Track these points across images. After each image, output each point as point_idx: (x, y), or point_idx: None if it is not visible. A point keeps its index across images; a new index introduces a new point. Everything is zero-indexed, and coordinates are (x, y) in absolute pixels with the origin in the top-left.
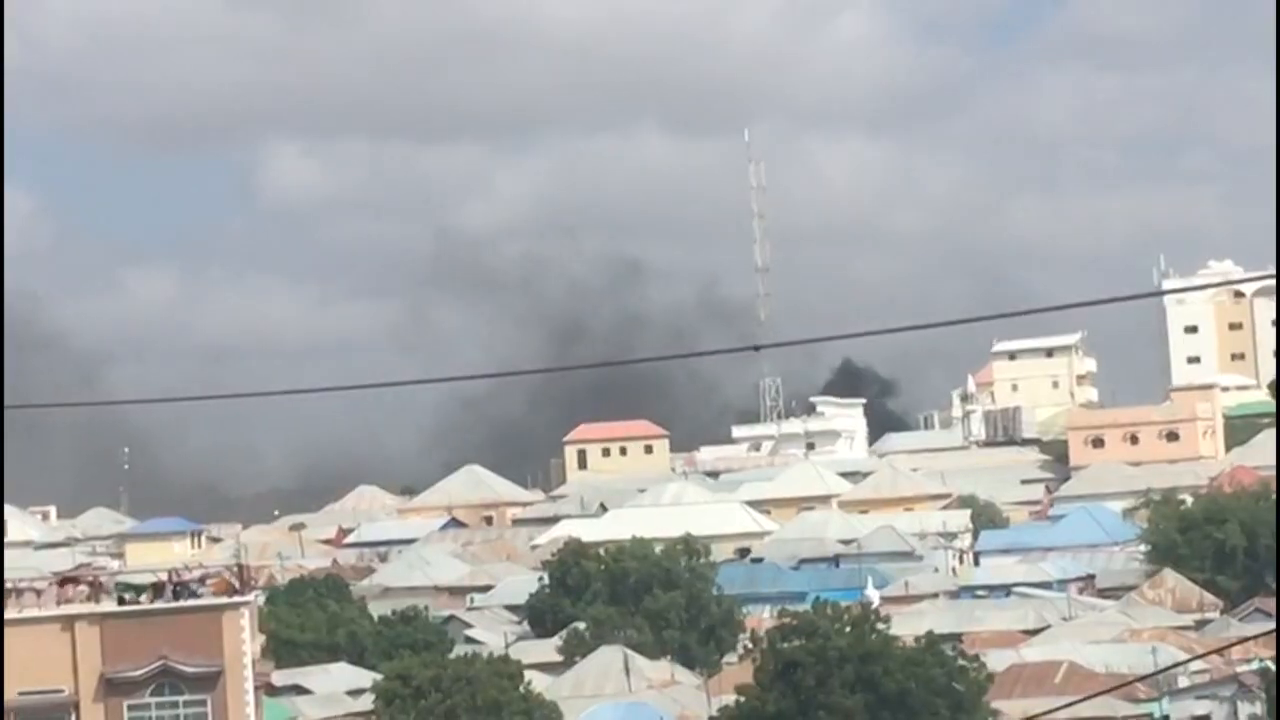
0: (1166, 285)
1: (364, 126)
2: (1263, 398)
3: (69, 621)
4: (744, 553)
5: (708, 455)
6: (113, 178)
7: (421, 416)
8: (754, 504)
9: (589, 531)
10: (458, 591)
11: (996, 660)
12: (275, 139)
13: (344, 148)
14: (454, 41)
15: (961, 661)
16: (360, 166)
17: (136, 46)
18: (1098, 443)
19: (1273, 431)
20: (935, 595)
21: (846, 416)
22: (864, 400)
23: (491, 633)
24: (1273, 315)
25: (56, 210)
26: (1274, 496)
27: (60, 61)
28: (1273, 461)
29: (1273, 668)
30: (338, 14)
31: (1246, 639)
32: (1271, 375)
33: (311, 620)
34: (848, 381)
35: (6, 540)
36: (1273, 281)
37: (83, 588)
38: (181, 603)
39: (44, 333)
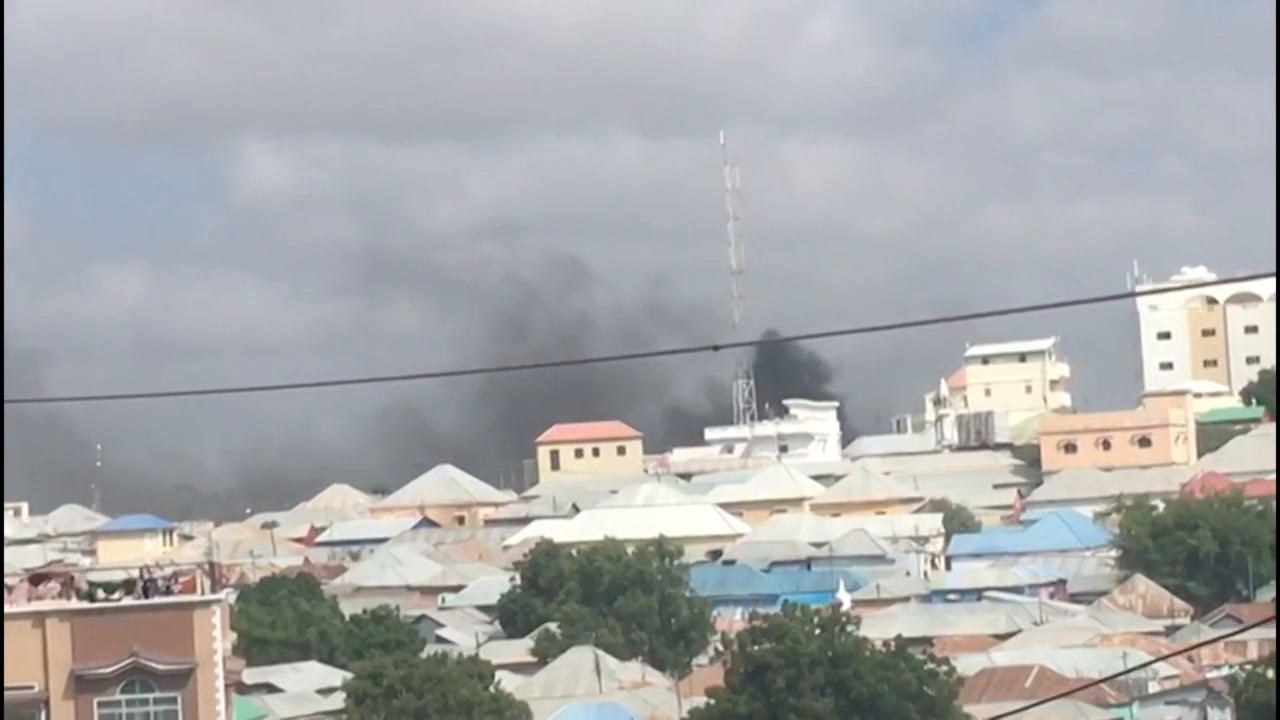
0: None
1: (336, 126)
2: (1234, 404)
3: (40, 618)
4: (716, 555)
5: (680, 457)
6: (83, 176)
7: (381, 416)
8: (726, 506)
9: (561, 532)
10: (429, 591)
11: (967, 664)
12: (245, 138)
13: (316, 147)
14: (428, 43)
15: (932, 665)
16: (332, 166)
17: (108, 45)
18: (1070, 448)
19: (1244, 438)
20: (906, 599)
21: (819, 419)
22: (836, 403)
23: (463, 633)
24: (1245, 322)
25: (26, 208)
26: (1244, 503)
27: (31, 59)
28: (1244, 468)
29: (1241, 675)
30: (311, 15)
31: (1214, 640)
32: (1243, 381)
33: (283, 619)
34: (772, 357)
35: None
36: (1244, 287)
37: (54, 584)
38: (153, 600)
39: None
